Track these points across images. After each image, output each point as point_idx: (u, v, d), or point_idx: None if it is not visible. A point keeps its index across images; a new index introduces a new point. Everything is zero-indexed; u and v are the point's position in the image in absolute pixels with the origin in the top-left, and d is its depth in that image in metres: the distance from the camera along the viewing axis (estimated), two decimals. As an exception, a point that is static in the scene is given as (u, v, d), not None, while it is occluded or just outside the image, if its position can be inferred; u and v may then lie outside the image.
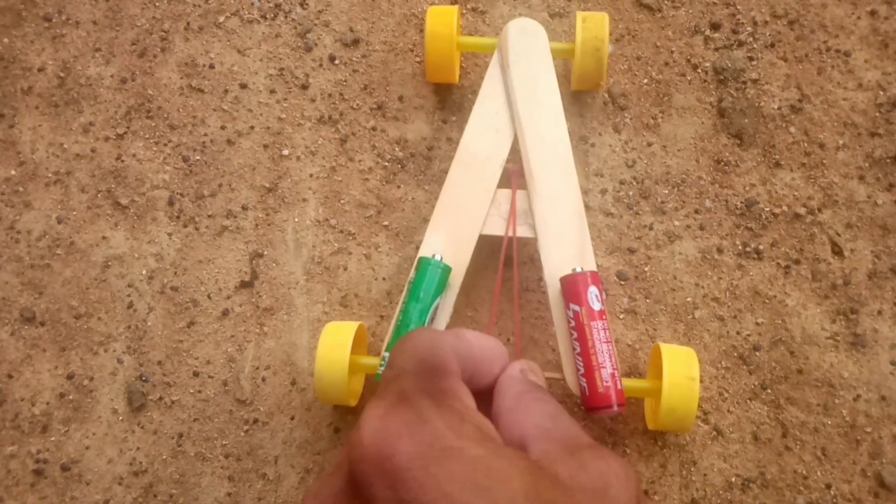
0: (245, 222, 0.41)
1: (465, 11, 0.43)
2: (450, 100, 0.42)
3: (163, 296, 0.40)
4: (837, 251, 0.39)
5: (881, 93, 0.41)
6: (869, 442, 0.37)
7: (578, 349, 0.33)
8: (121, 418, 0.39)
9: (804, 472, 0.37)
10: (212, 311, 0.40)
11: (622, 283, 0.39)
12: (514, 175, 0.37)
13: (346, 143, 0.41)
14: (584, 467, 0.22)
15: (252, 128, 0.42)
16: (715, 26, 0.42)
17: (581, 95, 0.41)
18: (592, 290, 0.33)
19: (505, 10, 0.43)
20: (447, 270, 0.35)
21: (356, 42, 0.43)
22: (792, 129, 0.41)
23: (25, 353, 0.40)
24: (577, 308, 0.33)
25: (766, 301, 0.39)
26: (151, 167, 0.42)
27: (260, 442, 0.38)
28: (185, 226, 0.41)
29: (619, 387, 0.33)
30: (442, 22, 0.38)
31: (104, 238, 0.41)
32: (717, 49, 0.42)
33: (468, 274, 0.36)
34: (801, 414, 0.38)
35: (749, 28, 0.42)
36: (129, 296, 0.40)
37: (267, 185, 0.41)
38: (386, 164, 0.41)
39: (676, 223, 0.40)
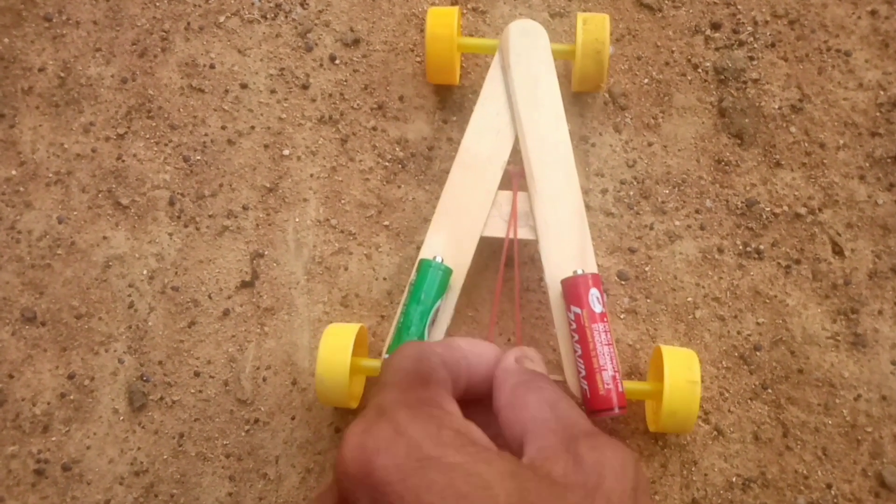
0: (246, 222, 0.41)
1: (465, 11, 0.43)
2: (450, 100, 0.42)
3: (163, 296, 0.40)
4: (838, 251, 0.39)
5: (882, 92, 0.41)
6: (869, 442, 0.37)
7: (579, 351, 0.33)
8: (122, 418, 0.39)
9: (805, 471, 0.37)
10: (213, 310, 0.40)
11: (623, 282, 0.39)
12: (514, 177, 0.37)
13: (347, 142, 0.41)
14: (579, 462, 0.22)
15: (253, 128, 0.42)
16: (715, 26, 0.42)
17: (582, 95, 0.41)
18: (593, 293, 0.33)
19: (506, 10, 0.43)
20: (448, 272, 0.34)
21: (357, 42, 0.43)
22: (792, 129, 0.41)
23: (26, 353, 0.40)
24: (578, 310, 0.33)
25: (767, 301, 0.39)
26: (152, 167, 0.42)
27: (261, 442, 0.38)
28: (186, 226, 0.41)
29: (620, 389, 0.33)
30: (442, 23, 0.38)
31: (105, 238, 0.41)
32: (717, 49, 0.42)
33: (469, 275, 0.36)
34: (801, 414, 0.38)
35: (750, 28, 0.42)
36: (129, 296, 0.40)
37: (268, 185, 0.41)
38: (386, 163, 0.41)
39: (677, 223, 0.40)
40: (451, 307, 0.35)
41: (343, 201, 0.41)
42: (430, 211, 0.40)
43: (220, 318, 0.40)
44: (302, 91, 0.42)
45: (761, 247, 0.39)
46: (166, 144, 0.42)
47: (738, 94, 0.41)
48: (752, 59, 0.42)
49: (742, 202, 0.40)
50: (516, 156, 0.37)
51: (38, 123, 0.42)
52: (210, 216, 0.41)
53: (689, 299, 0.39)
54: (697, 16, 0.42)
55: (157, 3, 0.44)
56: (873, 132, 0.41)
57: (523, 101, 0.37)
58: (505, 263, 0.36)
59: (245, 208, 0.41)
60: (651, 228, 0.40)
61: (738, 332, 0.39)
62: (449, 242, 0.36)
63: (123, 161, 0.42)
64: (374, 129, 0.42)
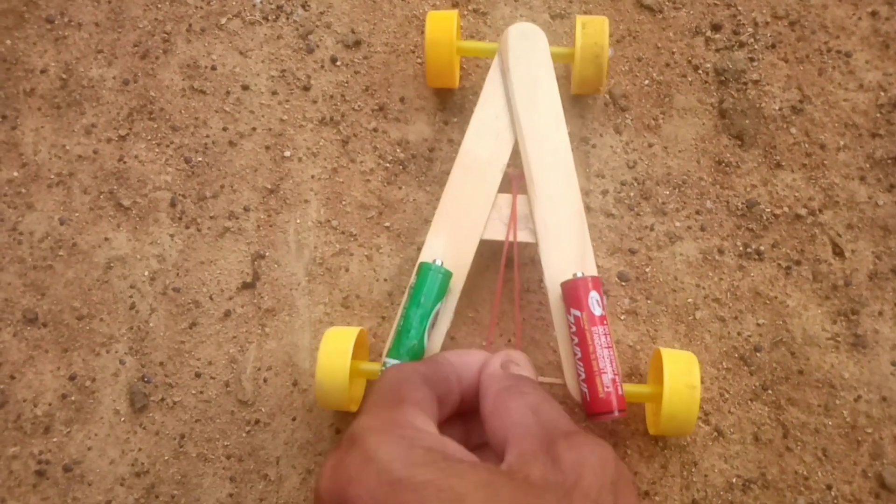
0: (247, 223, 0.41)
1: (465, 13, 0.43)
2: (451, 101, 0.42)
3: (165, 297, 0.40)
4: (838, 252, 0.40)
5: (882, 94, 0.41)
6: (870, 443, 0.37)
7: (579, 354, 0.33)
8: (123, 419, 0.39)
9: (805, 472, 0.37)
10: (214, 312, 0.40)
11: (623, 284, 0.39)
12: (514, 179, 0.37)
13: (348, 144, 0.42)
14: (557, 463, 0.22)
15: (254, 129, 0.42)
16: (716, 27, 0.42)
17: (582, 97, 0.41)
18: (593, 296, 0.33)
19: (506, 12, 0.43)
20: (448, 275, 0.35)
21: (358, 43, 0.43)
22: (793, 130, 0.41)
23: (28, 354, 0.40)
24: (577, 313, 0.33)
25: (767, 302, 0.39)
26: (153, 168, 0.42)
27: (261, 443, 0.38)
28: (187, 227, 0.41)
29: (619, 392, 0.33)
30: (441, 28, 0.38)
31: (106, 239, 0.41)
32: (718, 50, 0.42)
33: (469, 277, 0.36)
34: (801, 415, 0.38)
35: (750, 29, 0.42)
36: (131, 297, 0.40)
37: (269, 187, 0.41)
38: (387, 165, 0.41)
39: (677, 224, 0.40)
40: (451, 310, 0.35)
41: (344, 202, 0.41)
42: (430, 212, 0.40)
43: (221, 319, 0.40)
44: (303, 92, 0.42)
45: (762, 248, 0.40)
46: (168, 146, 0.42)
47: (738, 96, 0.41)
48: (752, 60, 0.42)
49: (742, 203, 0.40)
50: (516, 158, 0.37)
51: (39, 125, 0.42)
52: (211, 217, 0.41)
53: (690, 300, 0.39)
54: (698, 17, 0.43)
55: (159, 5, 0.44)
56: (874, 133, 0.41)
57: (523, 104, 0.37)
58: (505, 265, 0.36)
59: (246, 209, 0.41)
60: (651, 229, 0.40)
61: (739, 333, 0.39)
62: (449, 245, 0.36)
63: (125, 162, 0.42)
64: (375, 130, 0.42)
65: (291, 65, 0.43)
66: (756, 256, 0.39)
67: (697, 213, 0.40)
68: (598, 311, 0.33)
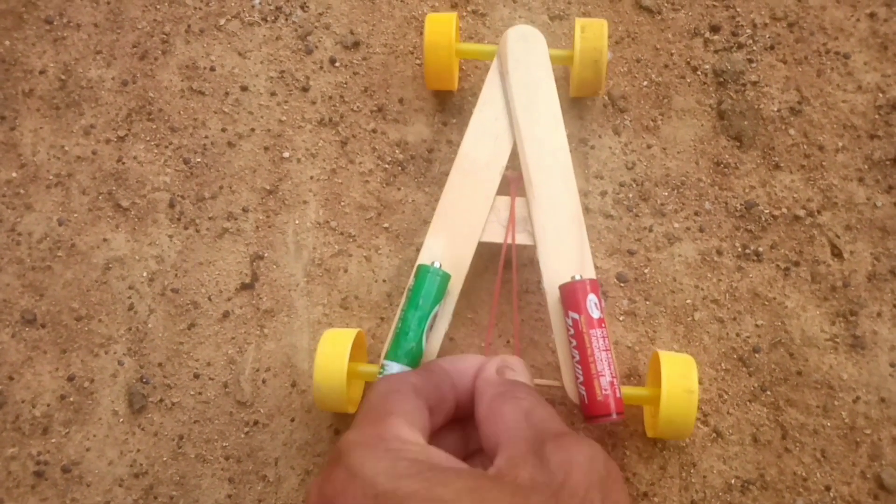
0: (245, 224, 0.41)
1: (464, 14, 0.43)
2: (450, 102, 0.42)
3: (163, 298, 0.40)
4: (837, 253, 0.40)
5: (880, 95, 0.41)
6: (868, 444, 0.37)
7: (577, 357, 0.33)
8: (121, 420, 0.39)
9: (804, 473, 0.37)
10: (212, 312, 0.40)
11: (622, 285, 0.39)
12: (513, 182, 0.37)
13: (347, 145, 0.42)
14: (544, 464, 0.22)
15: (253, 130, 0.42)
16: (714, 29, 0.42)
17: (581, 98, 0.41)
18: (591, 298, 0.33)
19: (505, 13, 0.43)
20: (446, 278, 0.35)
21: (356, 44, 0.43)
22: (791, 132, 0.41)
23: (26, 354, 0.40)
24: (575, 316, 0.33)
25: (766, 303, 0.39)
26: (152, 169, 0.42)
27: (260, 444, 0.38)
28: (186, 228, 0.41)
29: (617, 395, 0.33)
30: (440, 31, 0.38)
31: (105, 240, 0.41)
32: (716, 51, 0.42)
33: (468, 278, 0.36)
34: (800, 416, 0.38)
35: (748, 30, 0.42)
36: (129, 298, 0.40)
37: (267, 188, 0.41)
38: (386, 166, 0.41)
39: (676, 225, 0.40)
40: (449, 312, 0.35)
41: (343, 203, 0.41)
42: (429, 213, 0.40)
43: (219, 320, 0.40)
44: (302, 93, 0.42)
45: (760, 249, 0.40)
46: (166, 147, 0.42)
47: (737, 97, 0.41)
48: (751, 61, 0.42)
49: (741, 204, 0.40)
50: (515, 161, 0.37)
51: (38, 126, 0.42)
52: (210, 218, 0.41)
53: (688, 301, 0.39)
54: (696, 18, 0.43)
55: (158, 6, 0.44)
56: (872, 134, 0.41)
57: (521, 107, 0.37)
58: (504, 266, 0.36)
59: (245, 210, 0.41)
60: (650, 230, 0.40)
61: (737, 334, 0.39)
62: (447, 247, 0.36)
63: (124, 163, 0.42)
64: (374, 131, 0.42)
65: (290, 66, 0.43)
66: (755, 257, 0.39)
67: (696, 214, 0.40)
68: (596, 314, 0.33)
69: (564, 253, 0.35)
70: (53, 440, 0.39)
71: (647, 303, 0.39)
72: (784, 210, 0.40)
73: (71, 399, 0.39)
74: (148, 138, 0.42)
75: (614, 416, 0.33)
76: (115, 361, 0.39)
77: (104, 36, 0.43)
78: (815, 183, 0.40)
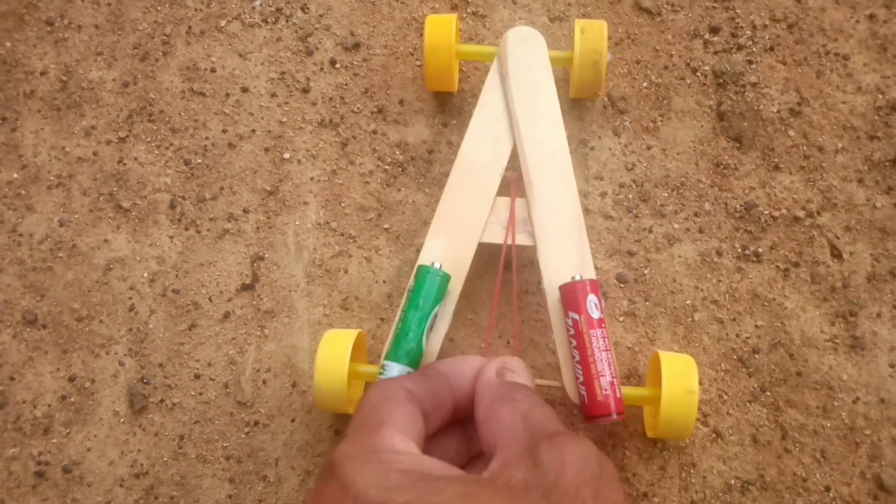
0: (246, 225, 0.41)
1: (464, 16, 0.43)
2: (450, 103, 0.42)
3: (164, 298, 0.40)
4: (836, 254, 0.40)
5: (880, 96, 0.41)
6: (868, 444, 0.37)
7: (577, 357, 0.33)
8: (122, 420, 0.39)
9: (803, 474, 0.37)
10: (213, 313, 0.40)
11: (622, 285, 0.39)
12: (513, 183, 0.37)
13: (347, 146, 0.42)
14: (538, 464, 0.22)
15: (253, 131, 0.42)
16: (714, 30, 0.42)
17: (581, 99, 0.42)
18: (591, 299, 0.33)
19: (505, 15, 0.43)
20: (446, 278, 0.35)
21: (357, 46, 0.43)
22: (791, 133, 0.41)
23: (27, 355, 0.40)
24: (576, 316, 0.33)
25: (766, 304, 0.39)
26: (153, 170, 0.42)
27: (261, 444, 0.38)
28: (187, 229, 0.41)
29: (618, 395, 0.33)
30: (440, 32, 0.38)
31: (106, 241, 0.41)
32: (716, 53, 0.42)
33: (468, 279, 0.36)
34: (800, 416, 0.38)
35: (748, 32, 0.42)
36: (130, 298, 0.40)
37: (268, 189, 0.41)
38: (386, 167, 0.41)
39: (676, 226, 0.40)
40: (449, 313, 0.36)
41: (343, 204, 0.41)
42: (429, 214, 0.40)
43: (220, 321, 0.40)
44: (302, 95, 0.42)
45: (760, 250, 0.40)
46: (167, 148, 0.42)
47: (736, 98, 0.42)
48: (750, 62, 0.42)
49: (741, 205, 0.40)
50: (515, 162, 0.37)
51: (39, 127, 0.42)
52: (211, 219, 0.41)
53: (688, 302, 0.39)
54: (696, 20, 0.43)
55: (159, 8, 0.44)
56: (871, 135, 0.41)
57: (521, 108, 0.37)
58: (504, 267, 0.36)
59: (245, 211, 0.41)
60: (650, 231, 0.40)
61: (737, 335, 0.39)
62: (447, 248, 0.36)
63: (124, 164, 0.42)
64: (375, 132, 0.42)
65: (291, 67, 0.43)
66: (754, 258, 0.40)
67: (696, 215, 0.40)
68: (596, 315, 0.33)
69: (564, 253, 0.36)
70: (54, 440, 0.39)
71: (647, 303, 0.39)
72: (784, 211, 0.40)
73: (72, 399, 0.39)
74: (149, 139, 0.42)
75: (614, 416, 0.33)
76: (116, 362, 0.40)
77: (105, 37, 0.44)
78: (814, 184, 0.40)
